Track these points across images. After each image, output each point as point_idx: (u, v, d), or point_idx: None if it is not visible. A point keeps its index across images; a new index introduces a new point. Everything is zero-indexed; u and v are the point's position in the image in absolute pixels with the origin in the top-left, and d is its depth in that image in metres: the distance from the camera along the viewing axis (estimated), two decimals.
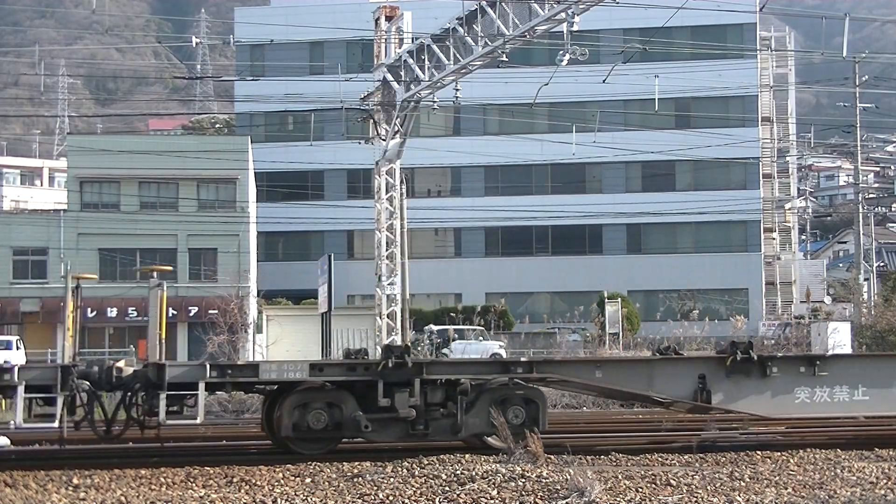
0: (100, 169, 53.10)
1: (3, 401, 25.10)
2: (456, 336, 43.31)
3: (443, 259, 64.54)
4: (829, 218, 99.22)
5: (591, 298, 53.89)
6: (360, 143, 40.50)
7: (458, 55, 30.77)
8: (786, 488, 12.12)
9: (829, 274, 72.19)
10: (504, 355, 40.21)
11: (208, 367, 14.76)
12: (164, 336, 16.03)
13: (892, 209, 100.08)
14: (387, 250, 36.79)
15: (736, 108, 63.62)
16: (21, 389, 14.08)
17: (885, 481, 12.58)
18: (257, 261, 57.24)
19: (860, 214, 55.79)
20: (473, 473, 12.67)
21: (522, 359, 16.58)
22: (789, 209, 70.24)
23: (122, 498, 11.77)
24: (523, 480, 12.24)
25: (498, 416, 14.87)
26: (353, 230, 62.47)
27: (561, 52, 26.21)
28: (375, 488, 12.21)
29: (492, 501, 11.38)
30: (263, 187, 61.51)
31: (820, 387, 15.90)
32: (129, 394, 14.75)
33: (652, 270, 62.82)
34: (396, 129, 35.27)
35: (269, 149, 61.46)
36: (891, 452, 15.23)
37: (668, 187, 63.80)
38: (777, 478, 12.83)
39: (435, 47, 31.84)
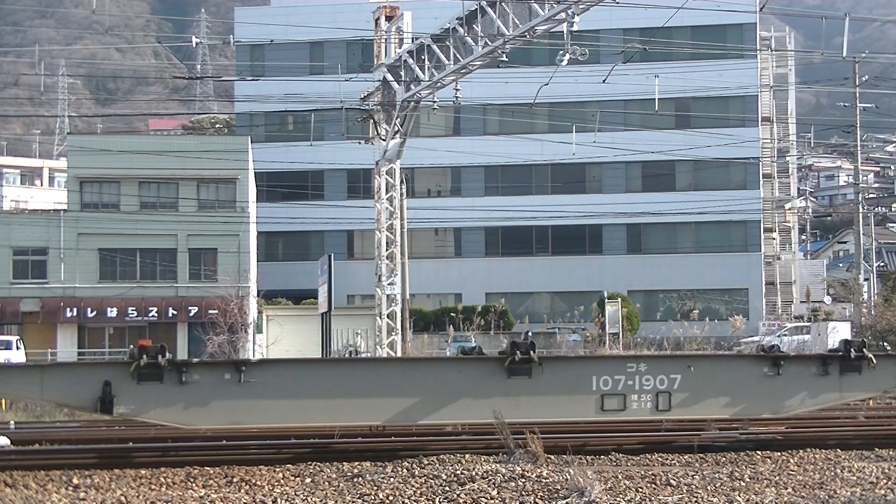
0: (100, 169, 53.12)
1: (3, 401, 25.13)
2: None
3: (443, 259, 64.54)
4: (829, 218, 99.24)
5: (591, 298, 53.90)
6: (360, 143, 40.53)
7: (458, 55, 30.79)
8: (786, 488, 12.13)
9: (829, 274, 72.23)
10: None
11: None
12: None
13: (892, 209, 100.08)
14: (387, 250, 36.79)
15: (736, 108, 63.62)
16: None
17: (885, 481, 12.58)
18: (257, 261, 57.24)
19: (860, 214, 55.84)
20: (473, 473, 12.67)
21: None
22: (789, 209, 70.25)
23: (122, 498, 11.78)
24: (523, 480, 12.25)
25: None
26: (353, 230, 62.48)
27: (561, 52, 26.23)
28: (375, 488, 12.21)
29: (492, 501, 11.39)
30: (263, 187, 61.52)
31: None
32: None
33: (652, 270, 62.82)
34: (396, 129, 35.29)
35: (269, 149, 61.47)
36: (891, 452, 15.24)
37: (668, 187, 63.80)
38: (777, 478, 12.83)
39: (435, 47, 31.86)
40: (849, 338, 38.04)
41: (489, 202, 62.39)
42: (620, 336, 45.65)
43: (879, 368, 15.42)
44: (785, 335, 45.02)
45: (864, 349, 15.37)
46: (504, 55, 28.53)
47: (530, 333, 50.22)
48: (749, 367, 15.42)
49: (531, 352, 14.31)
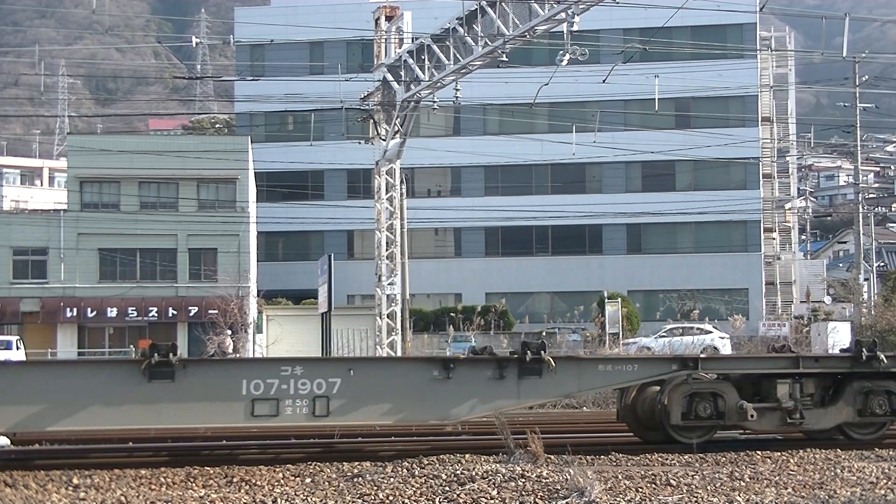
0: (100, 169, 53.13)
1: None
2: None
3: (443, 259, 64.55)
4: (829, 218, 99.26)
5: (591, 298, 53.90)
6: (360, 143, 40.52)
7: (458, 55, 30.79)
8: (786, 488, 12.13)
9: (829, 274, 72.22)
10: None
11: None
12: None
13: (892, 209, 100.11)
14: (387, 250, 36.79)
15: (736, 108, 63.62)
16: None
17: (885, 481, 12.58)
18: (257, 261, 57.24)
19: (860, 214, 55.81)
20: (473, 473, 12.67)
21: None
22: (789, 209, 70.25)
23: (122, 498, 11.77)
24: (523, 480, 12.25)
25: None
26: (353, 230, 62.49)
27: (561, 52, 26.23)
28: (375, 488, 12.21)
29: (492, 501, 11.39)
30: (263, 187, 61.52)
31: None
32: None
33: (652, 270, 62.83)
34: (396, 129, 35.29)
35: (269, 149, 61.48)
36: (891, 452, 15.24)
37: (668, 187, 63.79)
38: (777, 478, 12.83)
39: (435, 47, 31.86)
40: (842, 341, 38.08)
41: (489, 202, 62.39)
42: (620, 336, 45.64)
43: (560, 371, 14.87)
44: (663, 336, 44.07)
45: (543, 352, 14.80)
46: (504, 55, 28.52)
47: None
48: (417, 370, 14.74)
49: (171, 353, 13.59)
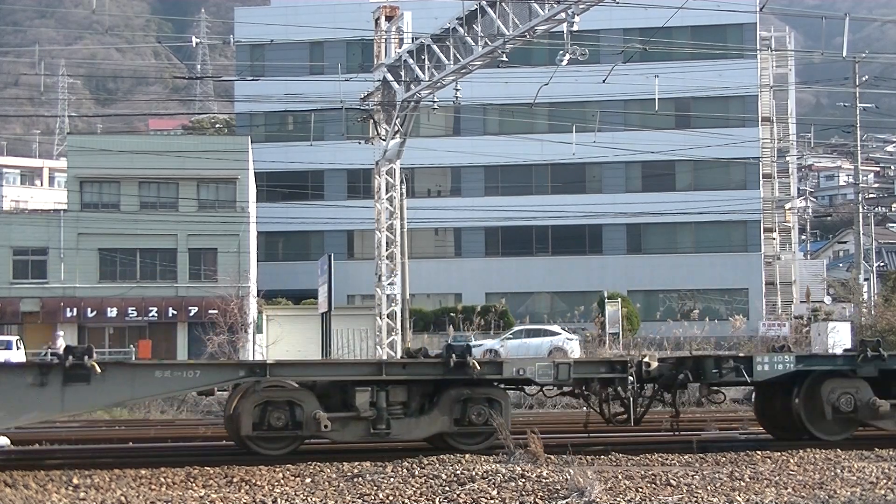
0: (100, 169, 53.12)
1: None
2: None
3: (443, 259, 64.52)
4: (829, 218, 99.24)
5: (591, 298, 53.90)
6: (360, 143, 40.49)
7: (458, 55, 30.78)
8: (786, 488, 12.13)
9: (829, 274, 72.20)
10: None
11: None
12: None
13: (892, 209, 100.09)
14: (387, 250, 36.78)
15: (736, 108, 63.60)
16: None
17: (885, 481, 12.59)
18: (257, 261, 57.24)
19: (860, 214, 55.80)
20: (473, 473, 12.68)
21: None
22: (789, 209, 70.24)
23: (122, 498, 11.78)
24: (523, 480, 12.25)
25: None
26: (353, 230, 62.47)
27: (561, 52, 26.21)
28: (375, 488, 12.22)
29: (492, 501, 11.39)
30: (263, 187, 61.52)
31: None
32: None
33: (652, 270, 62.81)
34: (396, 129, 35.27)
35: (269, 149, 61.45)
36: (891, 452, 15.25)
37: (668, 187, 63.78)
38: (777, 478, 12.83)
39: (435, 47, 31.85)
40: (850, 339, 38.00)
41: (489, 202, 62.37)
42: (620, 336, 45.65)
43: (110, 378, 13.82)
44: (510, 339, 42.74)
45: (88, 357, 13.66)
46: (504, 55, 28.51)
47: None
48: None
49: None
